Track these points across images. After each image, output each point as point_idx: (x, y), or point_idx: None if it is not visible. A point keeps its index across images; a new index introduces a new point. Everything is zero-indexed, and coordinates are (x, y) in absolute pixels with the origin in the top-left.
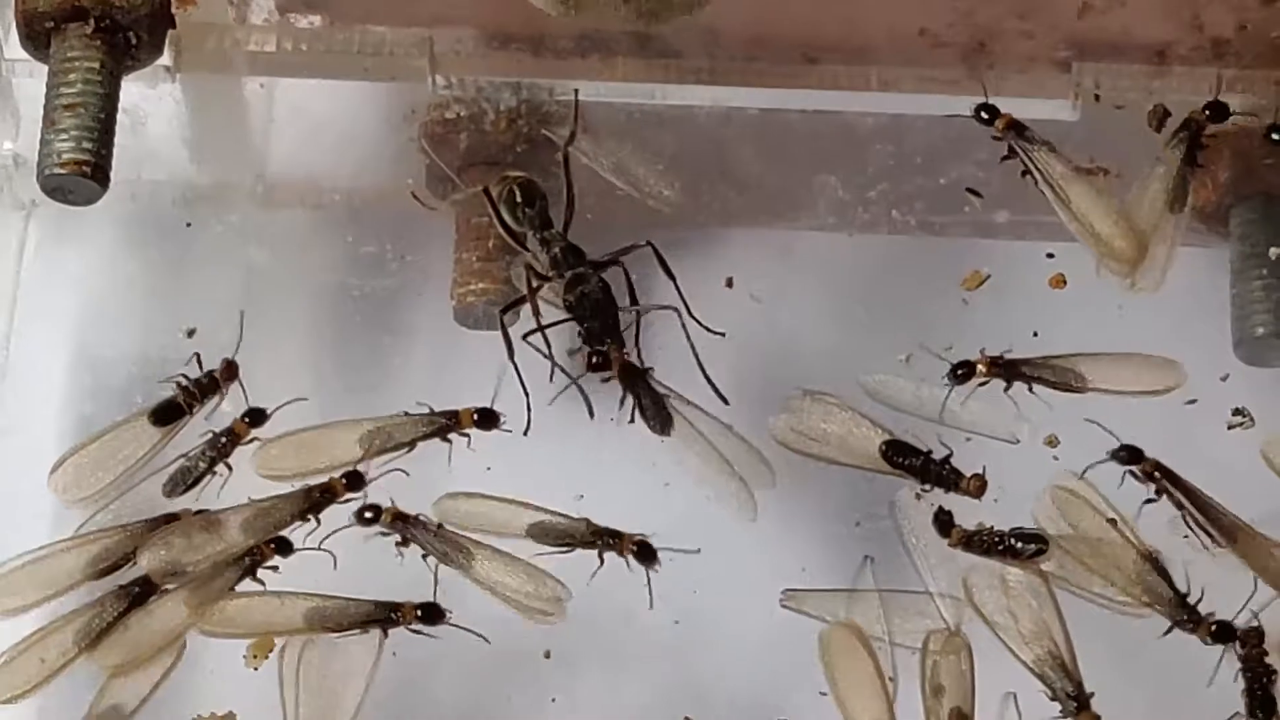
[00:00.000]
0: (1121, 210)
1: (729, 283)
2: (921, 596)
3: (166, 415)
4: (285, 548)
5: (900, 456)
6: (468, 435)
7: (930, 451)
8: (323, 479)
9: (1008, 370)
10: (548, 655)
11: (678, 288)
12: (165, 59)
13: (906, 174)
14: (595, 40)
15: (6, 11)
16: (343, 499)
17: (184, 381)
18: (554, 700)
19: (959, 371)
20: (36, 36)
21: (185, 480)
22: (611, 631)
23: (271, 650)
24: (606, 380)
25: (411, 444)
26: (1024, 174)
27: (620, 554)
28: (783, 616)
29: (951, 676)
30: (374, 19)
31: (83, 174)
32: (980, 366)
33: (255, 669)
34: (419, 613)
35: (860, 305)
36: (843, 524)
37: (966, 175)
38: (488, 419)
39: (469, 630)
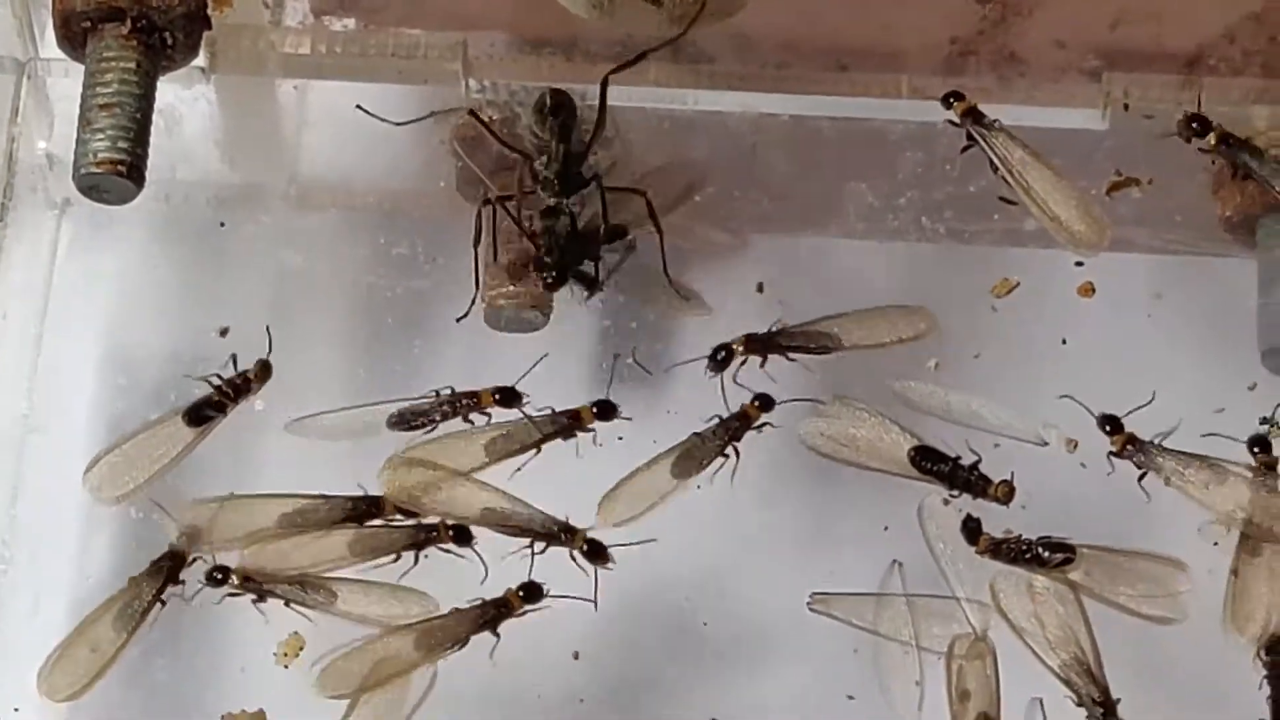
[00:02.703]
0: (1081, 194)
1: (759, 288)
2: (949, 601)
3: (200, 416)
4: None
5: (929, 462)
6: (593, 430)
7: (959, 457)
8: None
9: (764, 345)
10: (576, 656)
11: (662, 246)
12: (200, 60)
13: (936, 181)
14: (628, 45)
15: (41, 12)
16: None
17: (218, 381)
18: (581, 701)
19: (719, 357)
20: (73, 36)
21: (413, 420)
22: (638, 633)
23: (301, 649)
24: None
25: (537, 445)
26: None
27: (571, 549)
28: (811, 619)
29: (977, 681)
30: (408, 22)
31: (118, 173)
32: (737, 347)
33: (285, 667)
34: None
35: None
36: (871, 528)
37: (996, 183)
38: (607, 410)
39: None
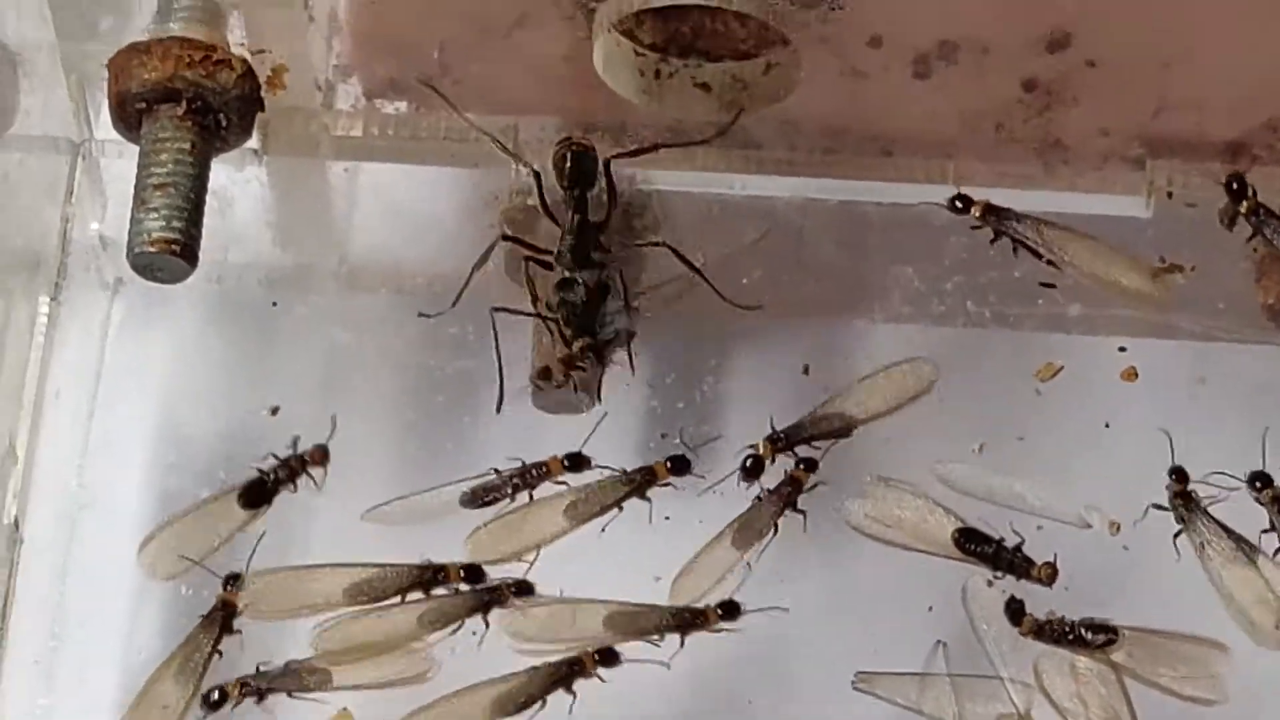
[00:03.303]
0: (1123, 252)
1: (805, 370)
2: (992, 681)
3: (255, 497)
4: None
5: (973, 544)
6: (669, 484)
7: (1002, 539)
8: None
9: (787, 441)
10: None
11: (699, 271)
12: (253, 142)
13: (981, 266)
14: (677, 130)
15: (96, 94)
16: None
17: (273, 463)
18: None
19: (748, 465)
20: (129, 117)
21: (485, 496)
22: (685, 707)
23: None
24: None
25: (618, 504)
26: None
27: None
28: (856, 698)
29: None
30: (460, 106)
31: (172, 252)
32: (764, 453)
33: None
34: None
35: (934, 394)
36: (915, 609)
37: (1040, 268)
38: (681, 466)
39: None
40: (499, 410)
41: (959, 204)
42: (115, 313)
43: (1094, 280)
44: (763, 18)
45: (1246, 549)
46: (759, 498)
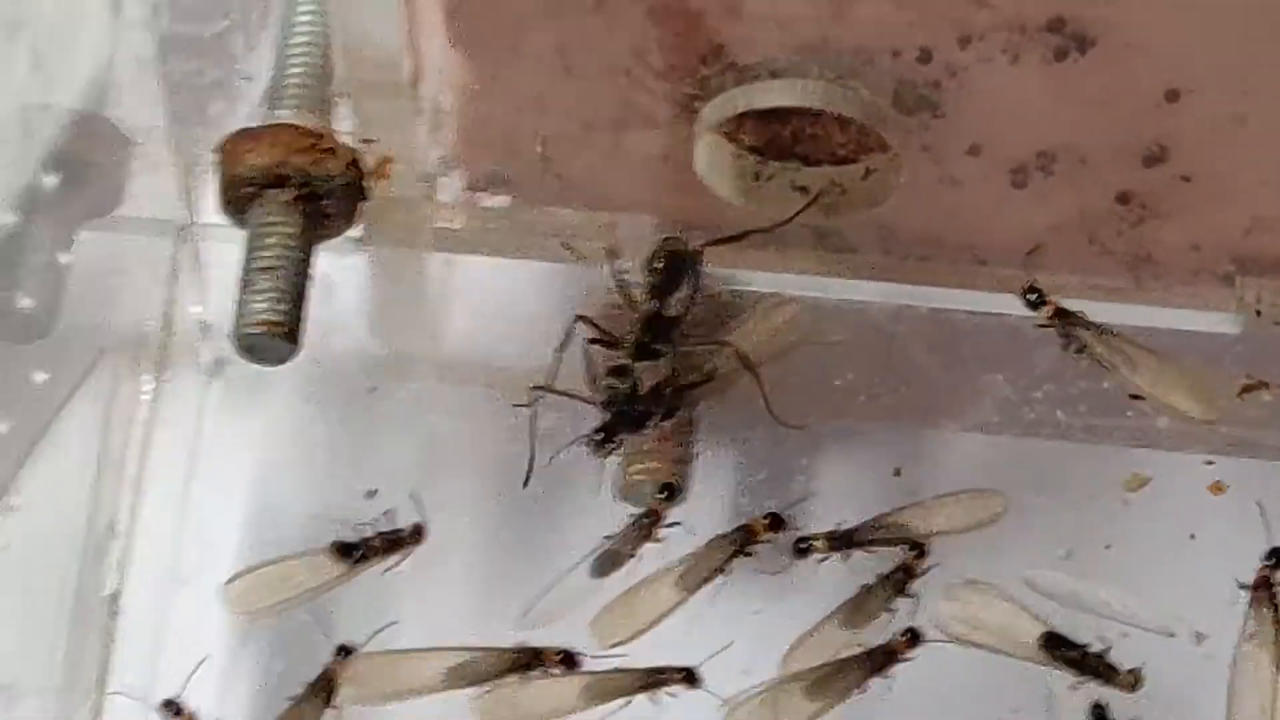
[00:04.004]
0: (1188, 369)
1: (897, 472)
2: None
3: (349, 550)
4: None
5: (1058, 648)
6: (769, 541)
7: (1088, 645)
8: None
9: (845, 541)
10: None
11: (762, 387)
12: (355, 230)
13: (1071, 376)
14: (772, 232)
15: (201, 179)
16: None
17: (372, 532)
18: None
19: (801, 547)
20: (236, 201)
21: (615, 561)
22: None
23: None
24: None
25: (724, 568)
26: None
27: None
28: None
29: None
30: (559, 201)
31: (276, 334)
32: (819, 544)
33: None
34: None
35: (1022, 501)
36: (999, 712)
37: (1133, 387)
38: (778, 523)
39: None
40: (525, 485)
41: (1031, 296)
42: (214, 394)
43: (1151, 398)
44: (866, 122)
45: None
46: (867, 586)
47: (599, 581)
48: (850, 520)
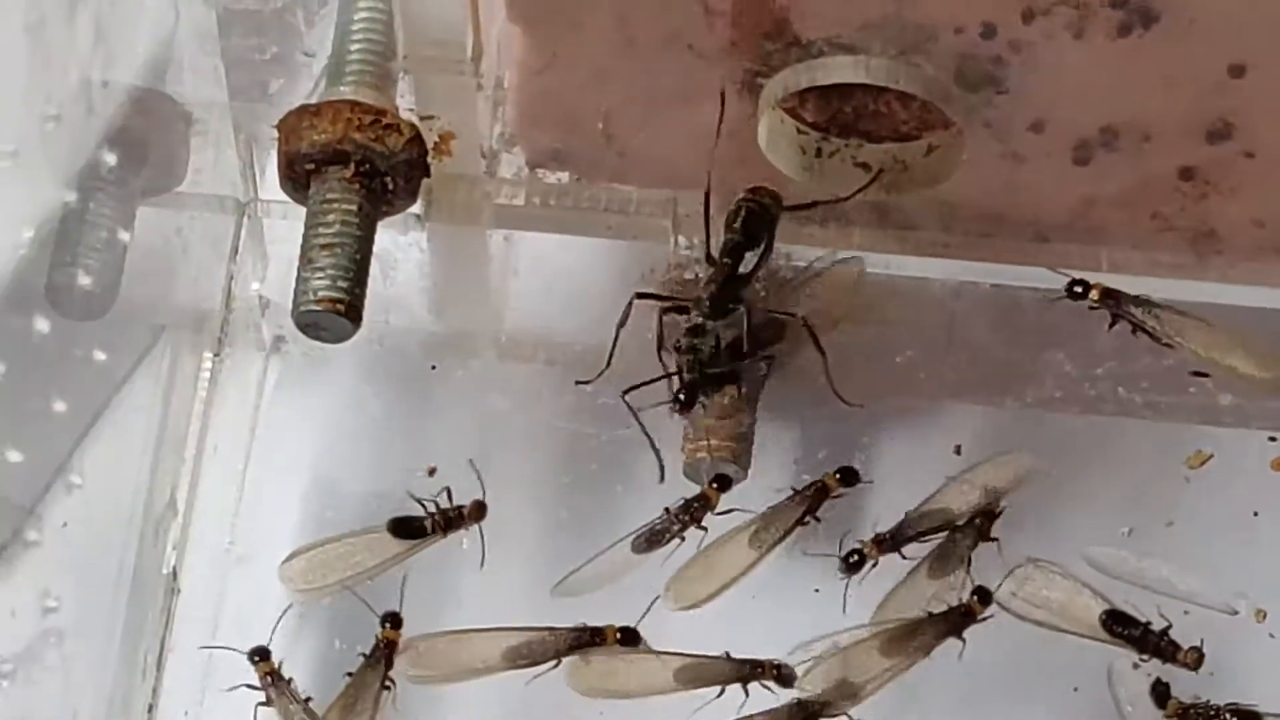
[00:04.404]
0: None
1: (957, 450)
2: None
3: (406, 529)
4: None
5: (1120, 626)
6: (842, 495)
7: (1149, 623)
8: None
9: (893, 542)
10: None
11: (826, 368)
12: (416, 207)
13: (1133, 353)
14: (834, 209)
15: (262, 156)
16: None
17: (432, 508)
18: None
19: (851, 560)
20: (296, 178)
21: (657, 540)
22: None
23: None
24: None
25: (800, 523)
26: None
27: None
28: None
29: None
30: (620, 178)
31: (337, 311)
32: (869, 551)
33: None
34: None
35: (1083, 479)
36: (1060, 689)
37: (1192, 357)
38: (850, 476)
39: None
40: (661, 481)
41: (1078, 289)
42: (273, 371)
43: (1209, 365)
44: (929, 98)
45: None
46: (951, 537)
47: (638, 558)
48: (913, 497)
